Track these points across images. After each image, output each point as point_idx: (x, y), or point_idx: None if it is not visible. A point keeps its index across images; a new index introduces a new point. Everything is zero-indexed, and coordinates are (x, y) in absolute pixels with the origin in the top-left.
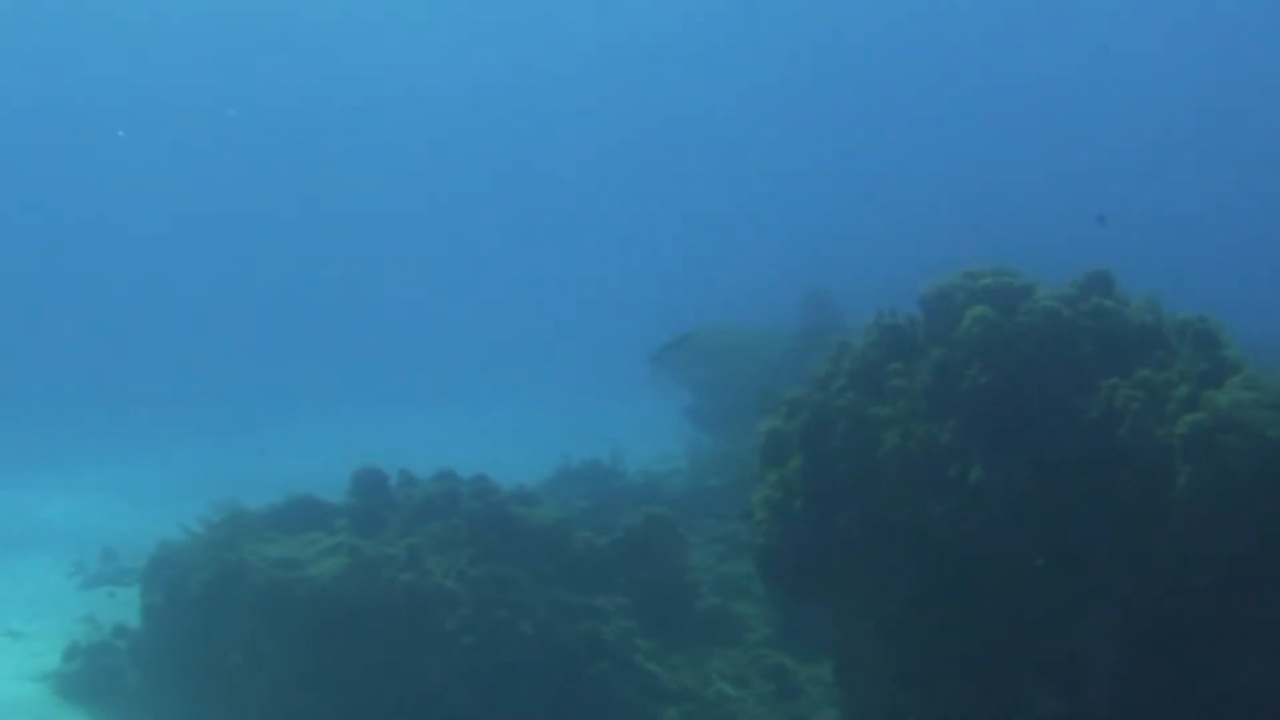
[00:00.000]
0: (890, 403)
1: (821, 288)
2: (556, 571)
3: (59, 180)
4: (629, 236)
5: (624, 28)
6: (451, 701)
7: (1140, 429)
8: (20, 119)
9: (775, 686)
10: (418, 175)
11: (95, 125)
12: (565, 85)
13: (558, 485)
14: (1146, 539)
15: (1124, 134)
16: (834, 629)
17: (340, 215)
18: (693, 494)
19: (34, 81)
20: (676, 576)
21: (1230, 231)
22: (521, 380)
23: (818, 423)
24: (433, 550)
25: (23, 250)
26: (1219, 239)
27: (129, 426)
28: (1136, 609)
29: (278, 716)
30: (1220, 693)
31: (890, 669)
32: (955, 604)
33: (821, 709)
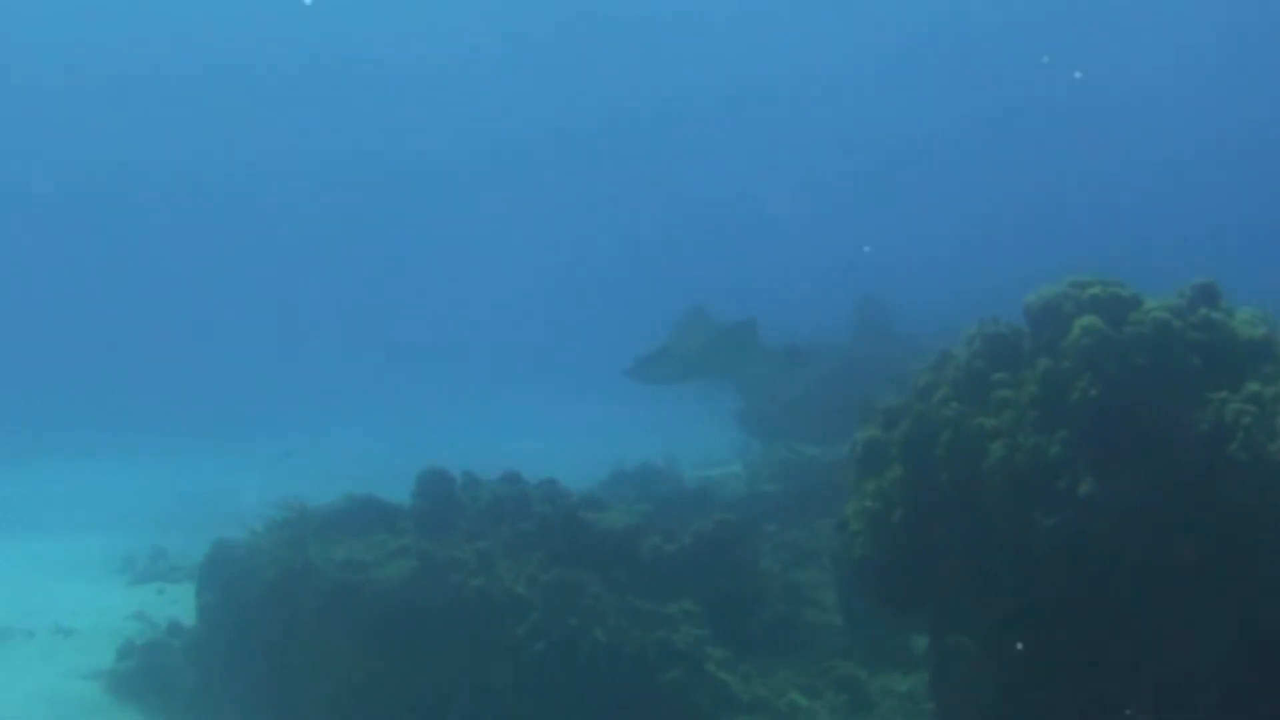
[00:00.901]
0: (996, 413)
1: (874, 293)
2: (627, 577)
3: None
4: (670, 237)
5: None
6: (520, 708)
7: (1252, 445)
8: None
9: (847, 697)
10: (443, 166)
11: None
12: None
13: (611, 488)
14: (1258, 557)
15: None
16: (929, 643)
17: (358, 207)
18: (750, 499)
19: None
20: (747, 584)
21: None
22: (564, 380)
23: (919, 433)
24: (502, 554)
25: (82, 243)
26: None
27: (154, 424)
28: (1247, 629)
29: (339, 718)
30: None
31: (987, 685)
32: (1059, 620)
33: None
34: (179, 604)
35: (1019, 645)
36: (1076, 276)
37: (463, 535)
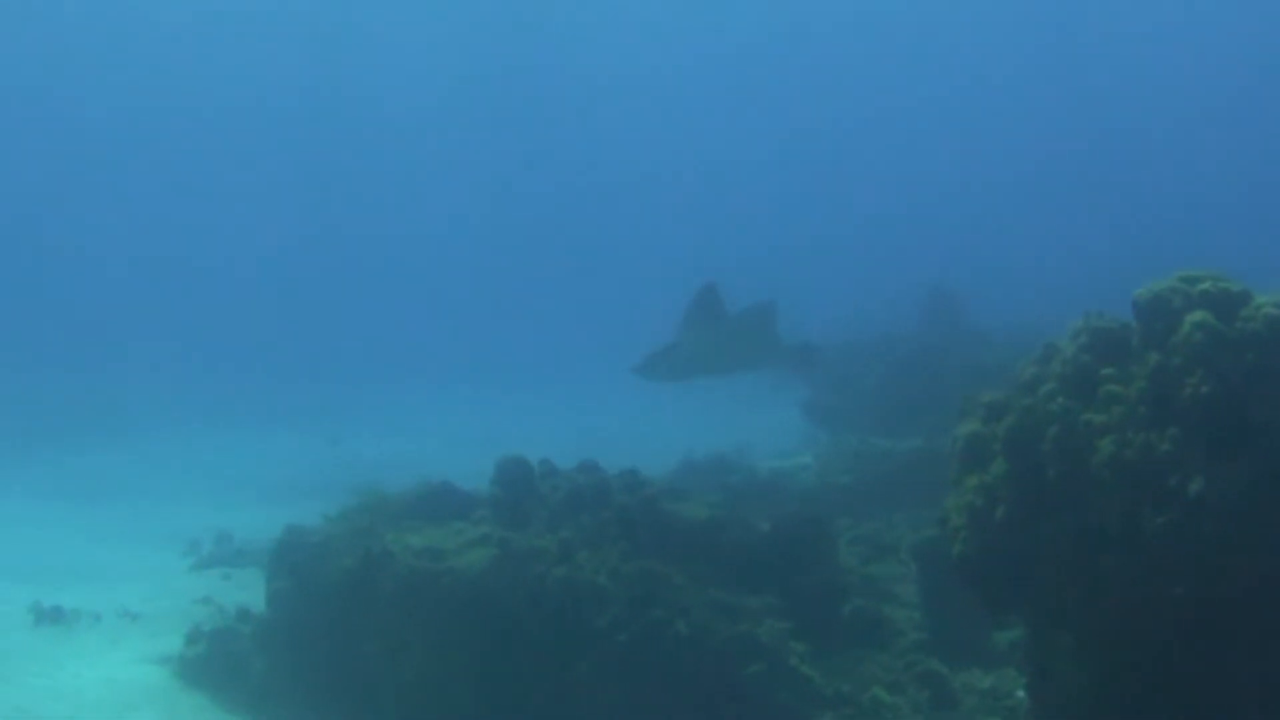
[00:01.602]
0: (1104, 409)
1: (945, 284)
2: (708, 569)
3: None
4: (737, 228)
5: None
6: (600, 701)
7: None
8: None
9: (930, 693)
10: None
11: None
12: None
13: (681, 478)
14: None
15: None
16: (1030, 641)
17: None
18: (822, 491)
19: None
20: (828, 578)
21: None
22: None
23: (1025, 427)
24: (582, 545)
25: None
26: None
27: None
28: None
29: (416, 709)
30: None
31: (1089, 685)
32: (1167, 620)
33: (979, 718)
34: (246, 589)
35: (1121, 645)
36: (1186, 271)
37: (542, 524)
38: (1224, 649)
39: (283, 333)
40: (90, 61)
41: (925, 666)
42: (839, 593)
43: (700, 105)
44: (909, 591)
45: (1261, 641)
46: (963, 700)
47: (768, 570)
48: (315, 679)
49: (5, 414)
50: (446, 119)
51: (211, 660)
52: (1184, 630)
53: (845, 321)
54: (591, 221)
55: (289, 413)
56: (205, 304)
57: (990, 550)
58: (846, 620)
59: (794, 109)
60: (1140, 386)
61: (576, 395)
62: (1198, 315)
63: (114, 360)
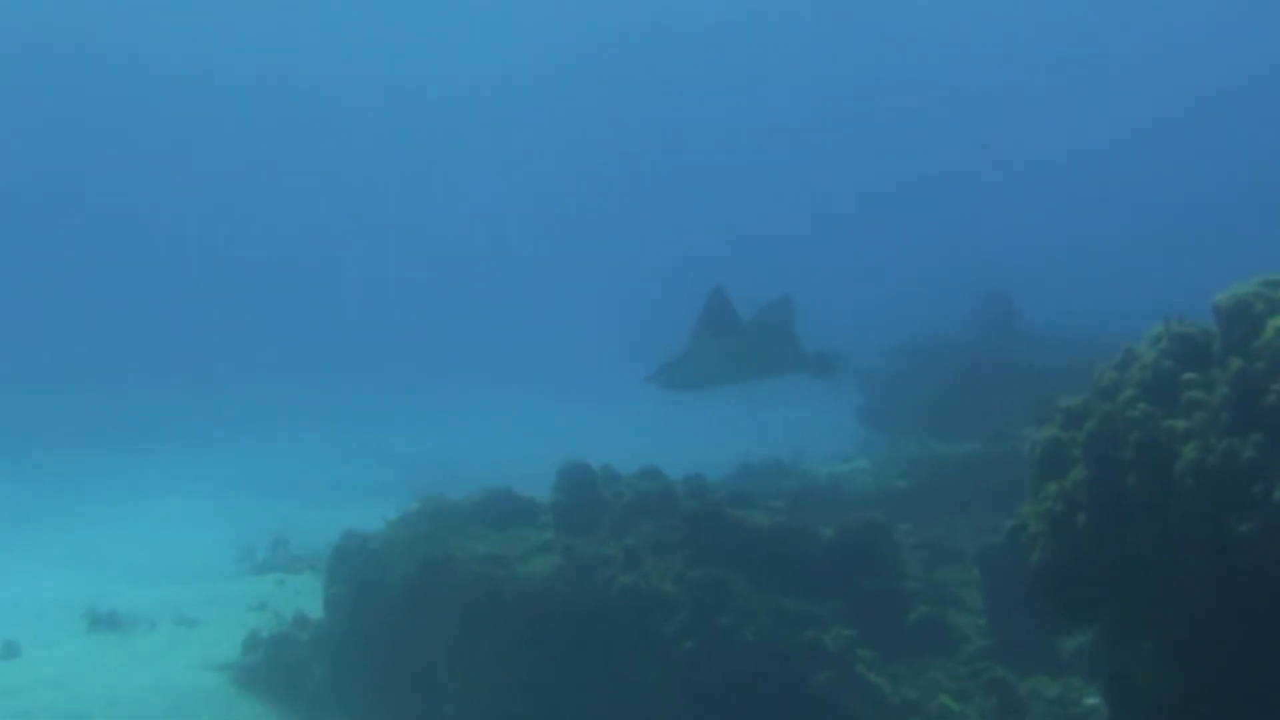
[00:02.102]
0: (1186, 415)
1: (998, 288)
2: (773, 575)
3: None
4: (787, 237)
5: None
6: (667, 708)
7: None
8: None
9: (997, 701)
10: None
11: None
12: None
13: (738, 484)
14: None
15: None
16: (1110, 650)
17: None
18: (880, 496)
19: None
20: (893, 584)
21: None
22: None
23: (1106, 434)
24: (647, 551)
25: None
26: None
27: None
28: None
29: (479, 716)
30: None
31: (1171, 695)
32: (1250, 628)
33: None
34: (301, 595)
35: (1204, 655)
36: (1269, 275)
37: (607, 531)
38: None
39: (321, 333)
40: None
41: (992, 674)
42: (904, 599)
43: (740, 97)
44: (972, 597)
45: None
46: (1030, 707)
47: (832, 576)
48: (373, 687)
49: (55, 419)
50: (476, 118)
51: (269, 667)
52: (1268, 639)
53: (897, 325)
54: (622, 224)
55: (334, 415)
56: (243, 307)
57: (1070, 558)
58: (912, 627)
59: (840, 108)
60: (1223, 392)
61: (622, 399)
62: None
63: (159, 365)
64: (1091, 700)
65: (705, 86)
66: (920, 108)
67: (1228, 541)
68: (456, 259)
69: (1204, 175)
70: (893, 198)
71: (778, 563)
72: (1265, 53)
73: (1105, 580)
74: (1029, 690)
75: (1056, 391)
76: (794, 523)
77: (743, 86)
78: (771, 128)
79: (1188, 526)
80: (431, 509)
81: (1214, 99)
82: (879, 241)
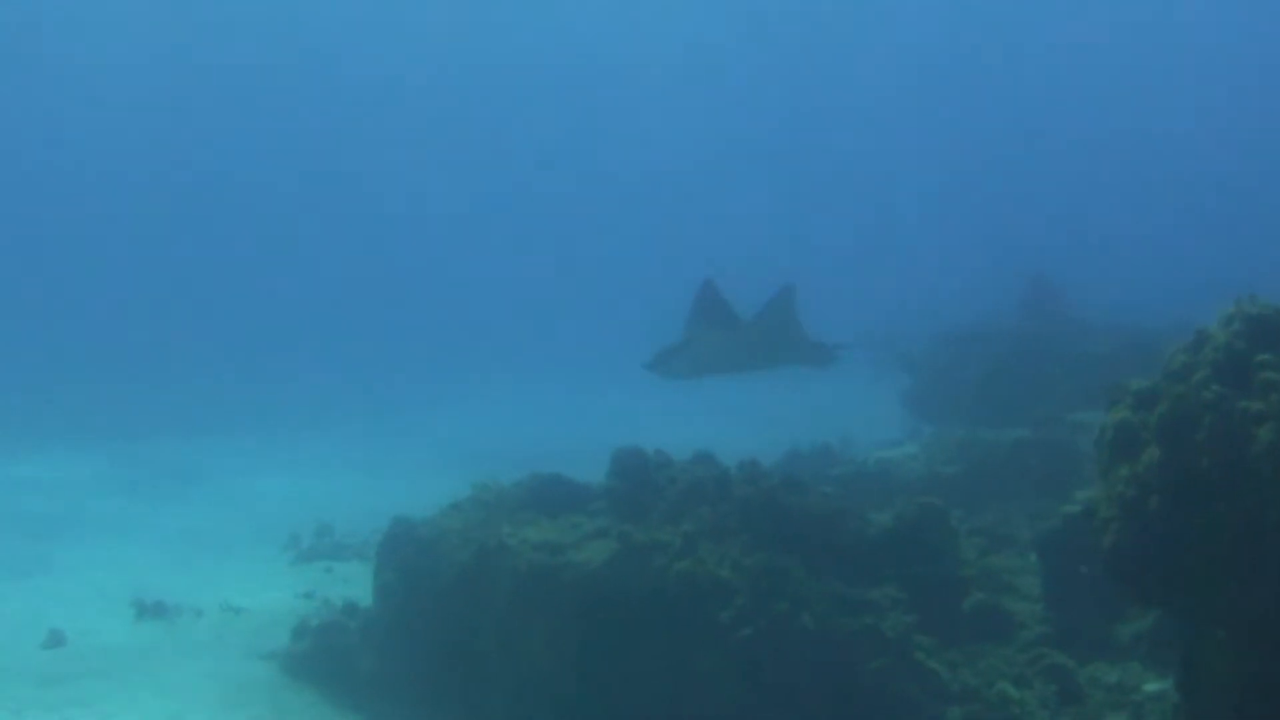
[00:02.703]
0: (1261, 397)
1: (1045, 274)
2: (828, 561)
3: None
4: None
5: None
6: (724, 695)
7: None
8: None
9: (1057, 688)
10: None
11: None
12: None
13: (787, 470)
14: None
15: None
16: (1182, 635)
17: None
18: (929, 481)
19: None
20: (949, 570)
21: None
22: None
23: (1179, 416)
24: (703, 537)
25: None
26: None
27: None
28: None
29: (530, 705)
30: None
31: (1243, 680)
32: None
33: (1108, 713)
34: (349, 583)
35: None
36: None
37: (662, 517)
38: None
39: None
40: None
41: (1051, 660)
42: (960, 585)
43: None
44: (1027, 584)
45: None
46: (1090, 695)
47: (887, 562)
48: (425, 675)
49: (102, 408)
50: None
51: (318, 655)
52: None
53: (942, 312)
54: (660, 210)
55: (372, 406)
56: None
57: (1143, 542)
58: (968, 613)
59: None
60: None
61: (660, 386)
62: None
63: (207, 356)
64: (1151, 687)
65: (755, 75)
66: (964, 97)
67: None
68: (486, 246)
69: (1244, 164)
70: (938, 185)
71: (833, 548)
72: None
73: (1178, 565)
74: (1088, 677)
75: (1104, 377)
76: (849, 507)
77: (790, 77)
78: (823, 117)
79: (1263, 510)
80: (483, 495)
81: (1256, 90)
82: (924, 228)
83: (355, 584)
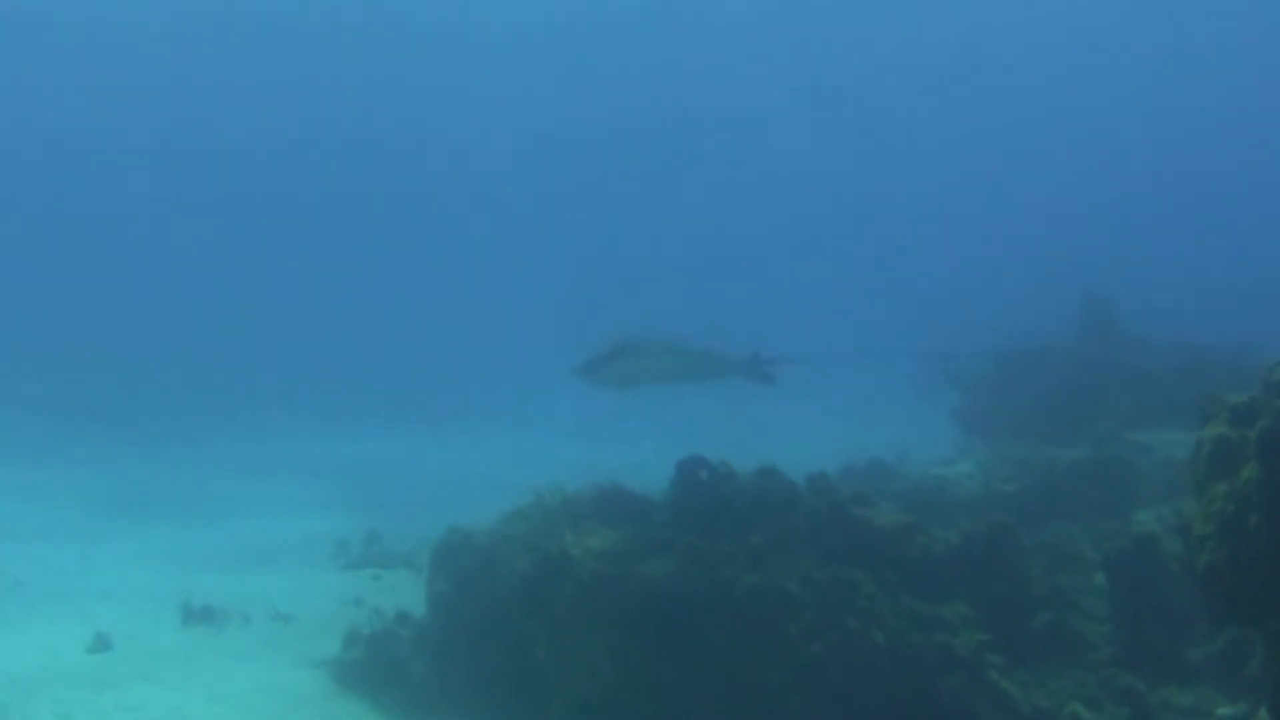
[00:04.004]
0: None
1: (1099, 294)
2: (895, 577)
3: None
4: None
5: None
6: (791, 711)
7: None
8: None
9: (1129, 710)
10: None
11: None
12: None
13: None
14: None
15: None
16: (1277, 657)
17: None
18: (987, 499)
19: None
20: (1018, 588)
21: None
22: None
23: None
24: (771, 551)
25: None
26: None
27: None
28: None
29: (591, 717)
30: None
31: None
32: None
33: None
34: (397, 592)
35: None
36: None
37: (727, 529)
38: None
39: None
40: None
41: (1122, 682)
42: (1029, 604)
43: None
44: (1093, 603)
45: None
46: (1161, 717)
47: (957, 580)
48: (479, 685)
49: (145, 410)
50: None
51: (369, 664)
52: None
53: (996, 330)
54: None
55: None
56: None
57: (1241, 560)
58: (1038, 632)
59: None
60: None
61: (709, 399)
62: None
63: (247, 361)
64: (1225, 711)
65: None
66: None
67: None
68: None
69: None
70: (988, 201)
71: (901, 564)
72: None
73: (1277, 584)
74: (1160, 700)
75: (1161, 394)
76: (918, 523)
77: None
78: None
79: None
80: (544, 503)
81: None
82: (975, 244)
83: (404, 593)
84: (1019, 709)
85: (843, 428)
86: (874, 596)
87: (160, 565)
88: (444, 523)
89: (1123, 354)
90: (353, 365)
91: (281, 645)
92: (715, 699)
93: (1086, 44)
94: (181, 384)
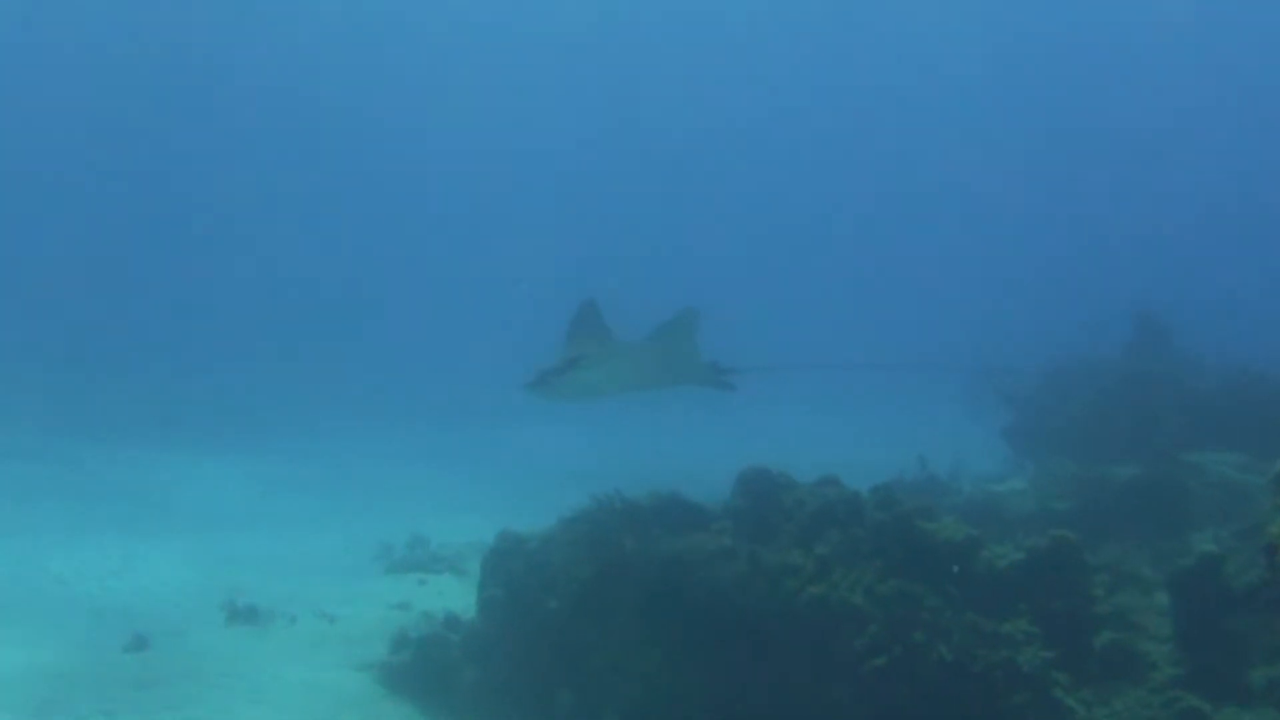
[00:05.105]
0: None
1: (1152, 310)
2: (958, 592)
3: None
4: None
5: None
6: None
7: None
8: None
9: None
10: None
11: None
12: None
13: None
14: None
15: None
16: None
17: None
18: (1041, 517)
19: None
20: (1080, 606)
21: None
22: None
23: None
24: (835, 562)
25: None
26: None
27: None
28: None
29: None
30: None
31: None
32: None
33: None
34: (443, 596)
35: None
36: None
37: (790, 540)
38: None
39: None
40: None
41: (1186, 703)
42: (1091, 622)
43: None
44: (1153, 623)
45: None
46: None
47: (1019, 595)
48: (531, 691)
49: (197, 409)
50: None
51: (418, 668)
52: None
53: (1045, 345)
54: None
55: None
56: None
57: None
58: (1100, 651)
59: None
60: None
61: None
62: None
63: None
64: None
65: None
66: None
67: None
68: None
69: None
70: (1040, 216)
71: (962, 578)
72: None
73: None
74: None
75: (1214, 415)
76: (983, 537)
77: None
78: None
79: None
80: (602, 510)
81: None
82: (1026, 261)
83: (450, 597)
84: None
85: (885, 442)
86: (939, 610)
87: (203, 564)
88: (489, 527)
89: (1173, 373)
90: (391, 367)
91: (327, 647)
92: (775, 712)
93: (1131, 46)
94: (234, 384)
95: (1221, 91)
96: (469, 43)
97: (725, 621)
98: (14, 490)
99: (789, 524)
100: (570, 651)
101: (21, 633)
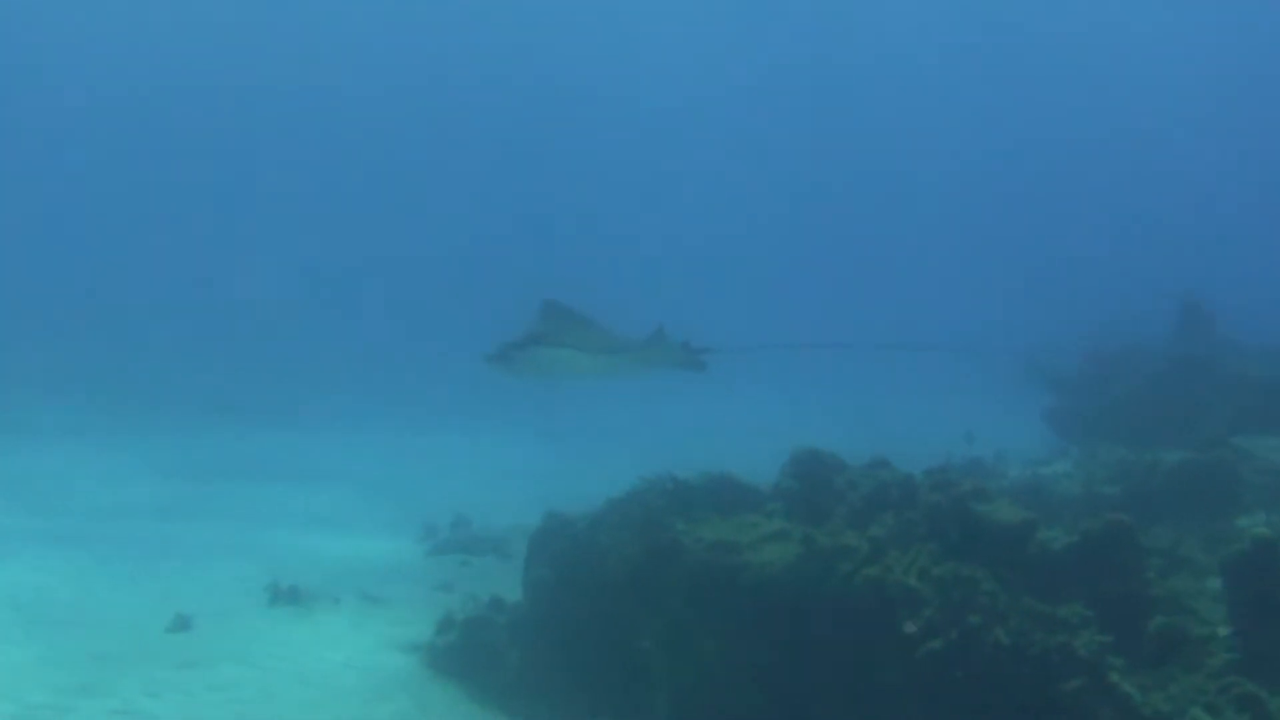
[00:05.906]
0: None
1: (1197, 300)
2: (1013, 575)
3: None
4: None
5: None
6: (908, 710)
7: None
8: None
9: (1249, 717)
10: None
11: None
12: None
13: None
14: None
15: None
16: None
17: None
18: (1086, 500)
19: None
20: (1135, 590)
21: None
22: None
23: None
24: (889, 544)
25: None
26: None
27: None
28: None
29: (698, 711)
30: None
31: None
32: None
33: None
34: (486, 577)
35: None
36: None
37: (843, 521)
38: None
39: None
40: None
41: (1243, 689)
42: (1146, 605)
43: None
44: (1206, 607)
45: None
46: None
47: (1073, 579)
48: (579, 674)
49: (242, 391)
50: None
51: (463, 650)
52: None
53: (1092, 332)
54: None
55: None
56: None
57: None
58: (1154, 635)
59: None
60: None
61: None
62: None
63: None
64: None
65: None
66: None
67: None
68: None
69: None
70: (1081, 201)
71: (1017, 561)
72: None
73: None
74: None
75: (1261, 401)
76: (1038, 519)
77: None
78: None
79: None
80: (651, 491)
81: None
82: (1070, 245)
83: (494, 578)
84: (1140, 712)
85: (927, 425)
86: (995, 594)
87: (246, 546)
88: (532, 509)
89: (1219, 358)
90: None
91: (372, 628)
92: (828, 694)
93: (1166, 36)
94: (276, 368)
95: (1271, 71)
96: None
97: (777, 603)
98: None
99: (841, 505)
100: (619, 633)
101: (65, 614)
